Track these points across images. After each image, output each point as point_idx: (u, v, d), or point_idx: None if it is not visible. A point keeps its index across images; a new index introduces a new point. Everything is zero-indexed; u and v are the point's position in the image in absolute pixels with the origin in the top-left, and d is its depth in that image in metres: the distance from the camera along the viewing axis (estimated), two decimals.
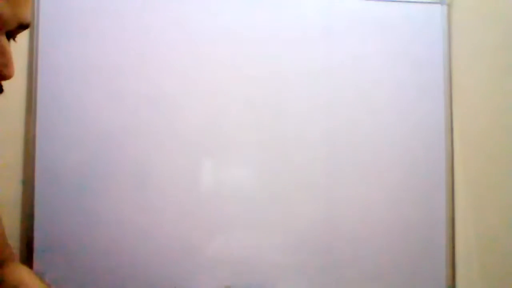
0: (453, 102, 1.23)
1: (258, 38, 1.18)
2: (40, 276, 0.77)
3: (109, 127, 1.11)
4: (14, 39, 0.46)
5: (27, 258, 1.06)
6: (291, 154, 1.18)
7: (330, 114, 1.20)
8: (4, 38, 0.44)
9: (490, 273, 1.08)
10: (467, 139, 1.19)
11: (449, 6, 1.25)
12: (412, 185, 1.21)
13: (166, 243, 1.12)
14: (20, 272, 0.74)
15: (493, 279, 1.07)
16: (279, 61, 1.18)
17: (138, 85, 1.13)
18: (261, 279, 1.15)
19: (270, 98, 1.18)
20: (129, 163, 1.12)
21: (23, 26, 0.44)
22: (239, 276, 1.14)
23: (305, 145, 1.18)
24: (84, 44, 1.11)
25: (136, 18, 1.14)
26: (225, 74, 1.16)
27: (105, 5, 1.13)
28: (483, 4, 1.13)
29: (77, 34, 1.11)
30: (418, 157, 1.21)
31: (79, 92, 1.11)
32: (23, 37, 1.06)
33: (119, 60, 1.13)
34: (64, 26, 1.11)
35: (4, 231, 0.78)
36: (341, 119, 1.20)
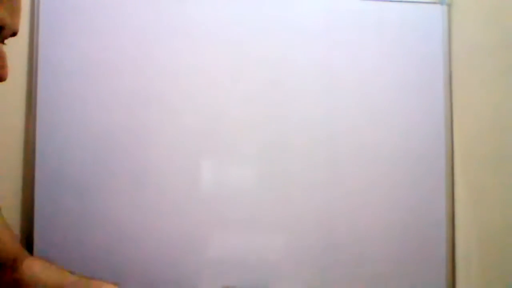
0: (453, 102, 1.23)
1: (257, 37, 1.18)
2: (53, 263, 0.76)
3: (110, 127, 1.11)
4: (3, 42, 0.51)
5: None
6: (291, 154, 1.18)
7: (329, 114, 1.20)
8: (1, 44, 0.50)
9: (490, 273, 1.08)
10: (467, 139, 1.19)
11: (449, 6, 1.25)
12: (412, 185, 1.21)
13: (166, 243, 1.12)
14: (32, 269, 0.74)
15: (493, 280, 1.07)
16: (278, 60, 1.18)
17: (139, 85, 1.13)
18: (261, 279, 1.15)
19: (270, 98, 1.18)
20: (130, 163, 1.11)
21: (14, 34, 0.51)
22: (239, 276, 1.14)
23: (304, 144, 1.18)
24: (85, 44, 1.11)
25: (137, 18, 1.14)
26: (225, 74, 1.16)
27: (106, 4, 1.13)
28: (483, 4, 1.13)
29: (78, 34, 1.11)
30: (418, 157, 1.21)
31: (80, 92, 1.11)
32: (23, 36, 1.07)
33: (120, 60, 1.12)
34: (64, 26, 1.11)
35: (10, 232, 0.78)
36: (340, 119, 1.20)
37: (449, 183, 1.21)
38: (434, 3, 1.25)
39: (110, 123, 1.11)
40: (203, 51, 1.16)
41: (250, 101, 1.17)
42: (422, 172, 1.21)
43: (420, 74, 1.23)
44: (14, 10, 0.48)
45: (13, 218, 1.06)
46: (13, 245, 0.76)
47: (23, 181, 1.08)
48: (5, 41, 0.52)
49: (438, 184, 1.21)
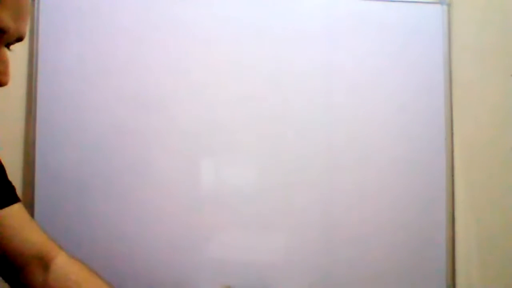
0: (453, 102, 1.23)
1: (257, 38, 1.18)
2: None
3: (109, 128, 1.11)
4: (9, 48, 0.49)
5: None
6: (290, 155, 1.18)
7: (329, 114, 1.20)
8: (4, 48, 0.48)
9: (490, 273, 1.08)
10: (467, 139, 1.19)
11: (449, 6, 1.25)
12: (412, 185, 1.21)
13: (166, 243, 1.12)
14: (66, 273, 0.66)
15: (493, 279, 1.07)
16: (278, 60, 1.18)
17: (137, 86, 1.13)
18: (261, 279, 1.15)
19: (270, 99, 1.18)
20: (129, 163, 1.12)
21: (19, 39, 0.49)
22: (239, 276, 1.14)
23: (304, 145, 1.18)
24: (84, 46, 1.11)
25: (136, 21, 1.14)
26: (224, 75, 1.16)
27: (105, 7, 1.13)
28: (483, 4, 1.13)
29: (77, 35, 1.11)
30: (418, 157, 1.21)
31: (79, 93, 1.11)
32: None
33: (119, 61, 1.13)
34: (64, 27, 1.11)
35: (33, 224, 0.69)
36: (340, 120, 1.20)
37: (449, 183, 1.21)
38: (434, 3, 1.25)
39: (110, 124, 1.11)
40: (203, 52, 1.16)
41: (250, 102, 1.17)
42: (422, 172, 1.21)
43: (420, 74, 1.23)
44: (20, 14, 0.46)
45: None
46: (38, 240, 0.67)
47: (23, 181, 1.08)
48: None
49: (438, 185, 1.21)
